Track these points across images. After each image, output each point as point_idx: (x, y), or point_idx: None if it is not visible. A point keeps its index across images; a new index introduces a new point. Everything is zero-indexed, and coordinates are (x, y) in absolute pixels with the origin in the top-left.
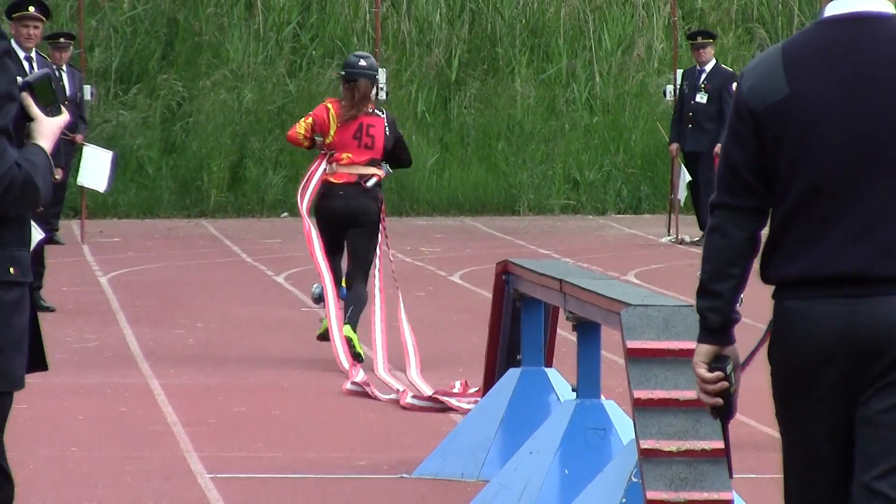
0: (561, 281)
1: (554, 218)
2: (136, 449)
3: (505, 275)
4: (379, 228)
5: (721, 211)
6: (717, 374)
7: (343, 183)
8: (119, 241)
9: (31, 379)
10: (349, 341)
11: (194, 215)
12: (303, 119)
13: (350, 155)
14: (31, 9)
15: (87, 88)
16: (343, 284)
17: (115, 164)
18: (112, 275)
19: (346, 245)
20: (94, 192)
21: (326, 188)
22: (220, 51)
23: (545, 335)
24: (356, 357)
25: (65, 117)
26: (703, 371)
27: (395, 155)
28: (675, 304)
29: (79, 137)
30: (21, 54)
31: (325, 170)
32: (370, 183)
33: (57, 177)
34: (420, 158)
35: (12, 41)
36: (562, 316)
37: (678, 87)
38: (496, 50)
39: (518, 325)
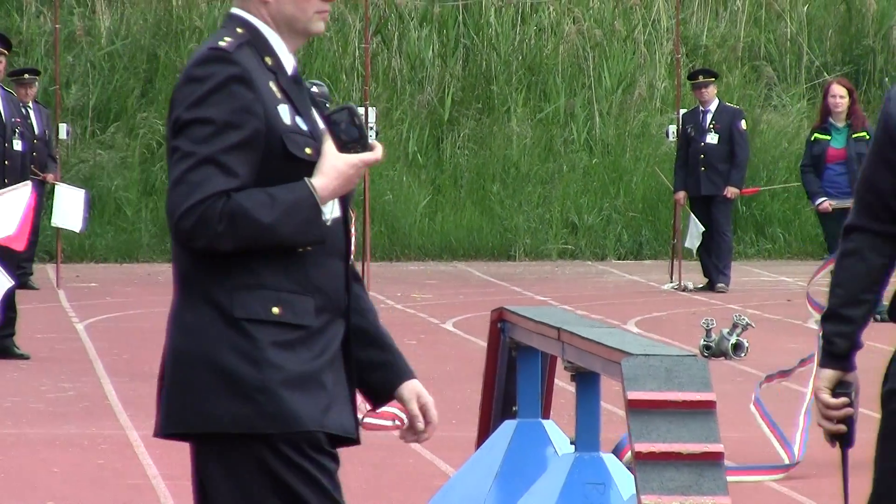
0: (559, 329)
1: (551, 263)
2: (114, 503)
3: (500, 322)
4: None
5: (860, 234)
6: (843, 399)
7: None
8: (96, 287)
9: (4, 430)
10: None
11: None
12: None
13: None
14: None
15: (63, 127)
16: None
17: (89, 202)
18: (89, 321)
19: None
20: (69, 235)
21: None
22: None
23: (542, 385)
24: None
25: (366, 156)
26: (826, 397)
27: None
28: (677, 353)
29: (50, 177)
30: None
31: None
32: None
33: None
34: (411, 201)
35: None
36: (560, 366)
37: (681, 129)
38: (491, 88)
39: (514, 374)
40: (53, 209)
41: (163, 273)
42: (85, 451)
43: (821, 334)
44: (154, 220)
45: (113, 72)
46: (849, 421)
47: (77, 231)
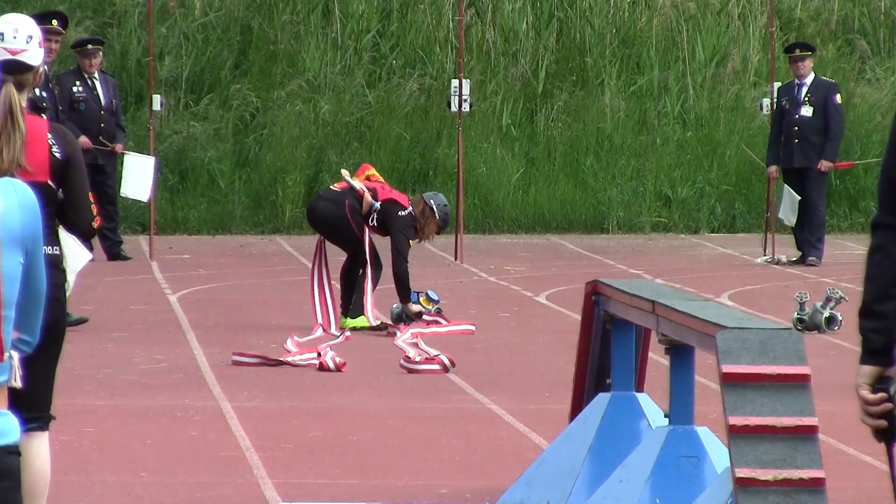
0: (653, 302)
1: (644, 236)
2: (207, 475)
3: (594, 295)
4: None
5: (883, 230)
6: (881, 395)
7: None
8: (189, 258)
9: (97, 401)
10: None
11: (268, 231)
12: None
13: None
14: (54, 22)
15: (157, 98)
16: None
17: (158, 170)
18: (182, 293)
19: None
20: (163, 206)
21: None
22: (295, 60)
23: (636, 359)
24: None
25: None
26: (866, 393)
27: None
28: (772, 326)
29: (118, 147)
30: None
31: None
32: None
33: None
34: (504, 173)
35: None
36: (654, 339)
37: (775, 102)
38: (585, 60)
39: (608, 347)
40: (122, 179)
41: (255, 245)
42: (178, 423)
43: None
44: (247, 191)
45: (206, 43)
46: (890, 416)
47: (143, 201)
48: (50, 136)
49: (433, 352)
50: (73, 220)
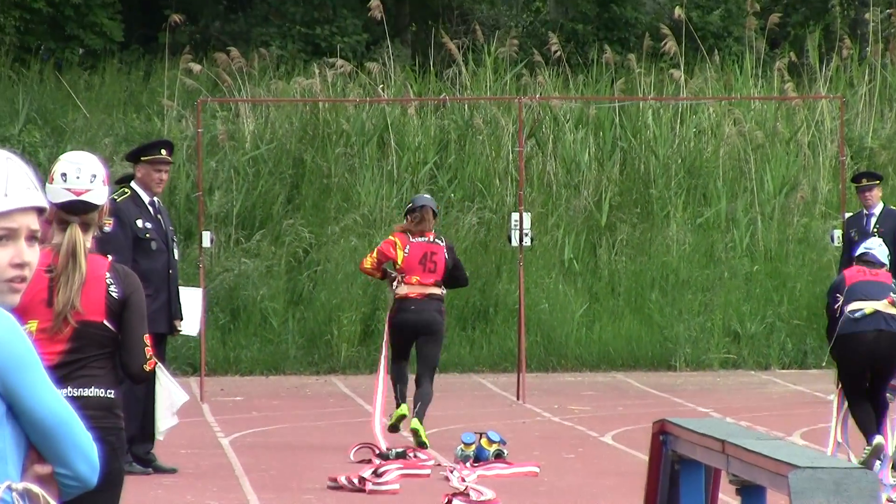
0: (723, 442)
1: (713, 373)
2: None
3: (662, 435)
4: (443, 336)
5: None
6: None
7: (415, 298)
8: (242, 400)
9: None
10: (416, 433)
11: (323, 372)
12: (369, 255)
13: (418, 278)
14: (164, 152)
15: (206, 234)
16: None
17: (206, 303)
18: (234, 436)
19: (412, 351)
20: (214, 347)
21: (400, 304)
22: (350, 194)
23: (706, 500)
24: (421, 445)
25: None
26: None
27: (454, 276)
28: (846, 466)
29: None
30: (146, 199)
31: (396, 290)
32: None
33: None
34: (568, 309)
35: (136, 186)
36: (724, 479)
37: (845, 233)
38: (650, 192)
39: (677, 489)
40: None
41: (310, 386)
42: None
43: None
44: (301, 330)
45: (257, 177)
46: None
47: (194, 335)
48: (108, 275)
49: (488, 493)
50: (124, 361)
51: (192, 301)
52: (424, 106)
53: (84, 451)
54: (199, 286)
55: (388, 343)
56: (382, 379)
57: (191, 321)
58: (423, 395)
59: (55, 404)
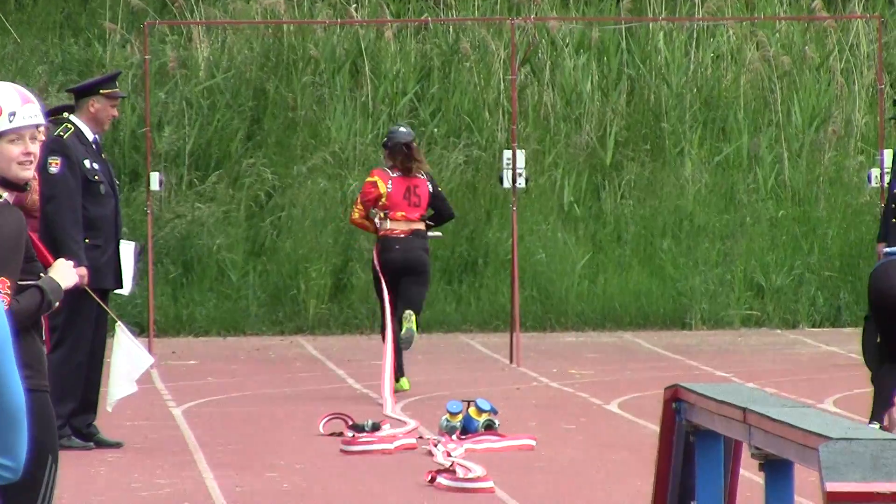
0: (745, 410)
1: (733, 332)
2: None
3: (675, 403)
4: (429, 276)
5: None
6: None
7: (399, 236)
8: (196, 364)
9: None
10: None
11: (289, 332)
12: (354, 205)
13: (403, 213)
14: (118, 85)
15: (155, 176)
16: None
17: (139, 257)
18: (188, 406)
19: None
20: (164, 304)
21: (384, 242)
22: (318, 129)
23: (725, 476)
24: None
25: None
26: None
27: (437, 208)
28: (885, 437)
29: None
30: (90, 136)
31: (380, 226)
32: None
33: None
34: (567, 260)
35: (79, 121)
36: (746, 452)
37: (885, 172)
38: (661, 126)
39: (692, 464)
40: None
41: (274, 348)
42: None
43: None
44: (263, 285)
45: (213, 110)
46: None
47: (125, 294)
48: None
49: (477, 470)
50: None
51: (125, 256)
52: (403, 28)
53: (23, 442)
54: (145, 235)
55: (387, 286)
56: (390, 329)
57: (124, 276)
58: (407, 339)
59: (12, 390)
